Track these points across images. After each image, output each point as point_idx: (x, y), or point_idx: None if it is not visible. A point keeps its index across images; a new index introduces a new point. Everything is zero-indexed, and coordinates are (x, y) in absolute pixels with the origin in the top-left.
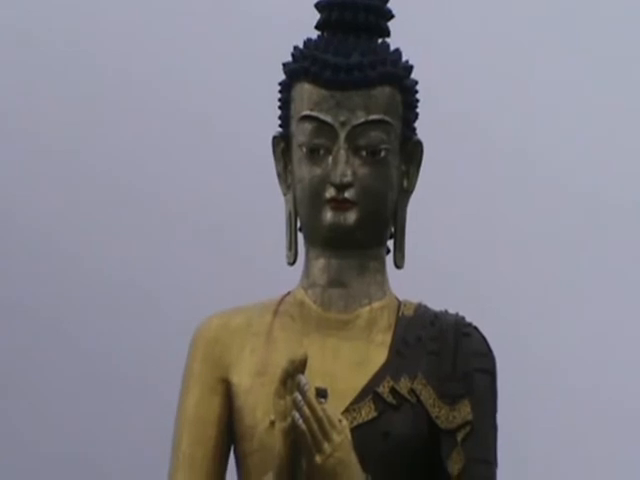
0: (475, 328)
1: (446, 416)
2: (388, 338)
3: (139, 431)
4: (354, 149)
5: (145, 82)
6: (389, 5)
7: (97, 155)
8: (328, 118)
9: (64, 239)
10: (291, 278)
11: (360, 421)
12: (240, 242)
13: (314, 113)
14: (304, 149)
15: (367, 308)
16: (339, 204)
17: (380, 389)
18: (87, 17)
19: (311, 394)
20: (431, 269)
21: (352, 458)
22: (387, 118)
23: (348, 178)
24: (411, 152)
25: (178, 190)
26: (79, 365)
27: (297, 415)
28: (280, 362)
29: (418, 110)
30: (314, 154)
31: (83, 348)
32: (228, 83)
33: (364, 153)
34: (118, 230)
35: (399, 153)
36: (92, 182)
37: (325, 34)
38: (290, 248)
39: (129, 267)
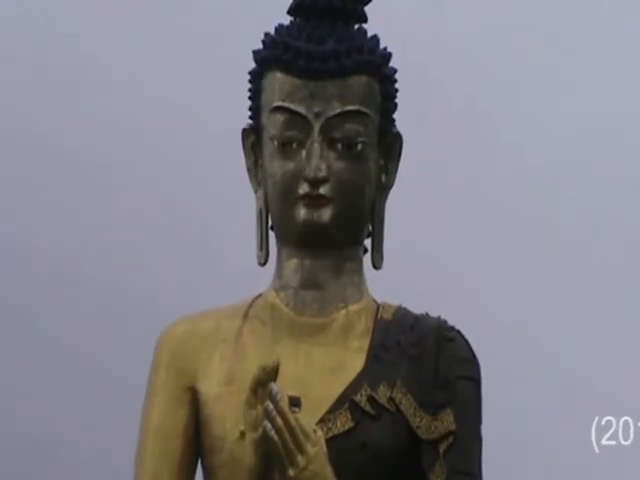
0: (458, 332)
1: (427, 426)
2: (365, 343)
3: (111, 427)
4: (329, 142)
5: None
6: None
7: (69, 144)
8: (301, 109)
9: (37, 236)
10: (262, 279)
11: (336, 432)
12: (209, 242)
13: (286, 104)
14: (275, 142)
15: (343, 312)
16: (313, 200)
17: (357, 397)
18: None
19: (284, 403)
20: (411, 269)
21: (327, 471)
22: (364, 109)
23: (323, 173)
24: (390, 145)
25: (147, 186)
26: (54, 361)
27: (269, 425)
28: (250, 369)
29: (397, 100)
30: (286, 147)
31: (58, 344)
32: (199, 69)
33: (340, 146)
34: (89, 223)
35: (377, 146)
36: (64, 173)
37: (298, 20)
38: (261, 248)
39: (100, 264)
